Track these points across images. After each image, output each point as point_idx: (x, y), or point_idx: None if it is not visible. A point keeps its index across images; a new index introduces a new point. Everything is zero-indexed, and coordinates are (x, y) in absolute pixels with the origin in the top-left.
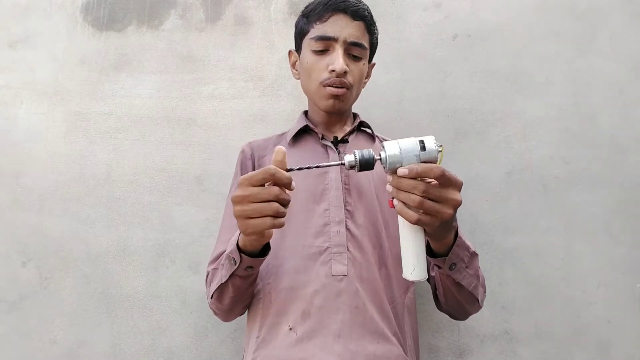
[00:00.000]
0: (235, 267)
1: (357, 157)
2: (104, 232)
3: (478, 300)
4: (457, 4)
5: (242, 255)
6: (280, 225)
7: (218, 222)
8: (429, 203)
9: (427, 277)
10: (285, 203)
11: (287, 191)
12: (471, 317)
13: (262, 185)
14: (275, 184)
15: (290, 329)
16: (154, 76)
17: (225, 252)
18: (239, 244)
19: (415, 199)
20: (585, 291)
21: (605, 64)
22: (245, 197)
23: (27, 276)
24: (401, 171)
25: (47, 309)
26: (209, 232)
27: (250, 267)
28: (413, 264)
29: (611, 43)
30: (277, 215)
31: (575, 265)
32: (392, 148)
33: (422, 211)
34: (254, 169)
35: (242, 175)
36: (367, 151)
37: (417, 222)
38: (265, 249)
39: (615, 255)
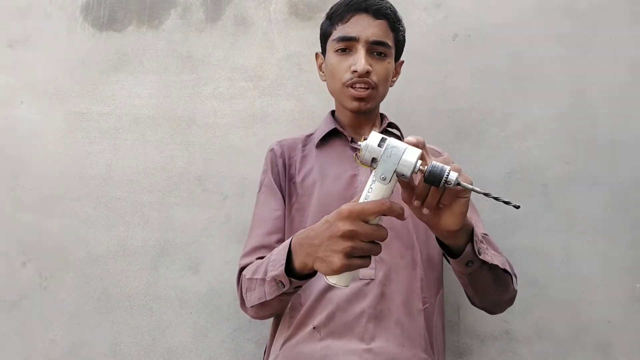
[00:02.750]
0: (284, 289)
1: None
2: (104, 232)
3: (512, 278)
4: (457, 4)
5: (292, 279)
6: (366, 266)
7: (218, 222)
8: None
9: None
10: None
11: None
12: (471, 317)
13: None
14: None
15: (314, 328)
16: (154, 76)
17: (270, 273)
18: (296, 265)
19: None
20: (585, 291)
21: (605, 64)
22: (358, 234)
23: (27, 276)
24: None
25: (47, 309)
26: (208, 232)
27: (299, 286)
28: None
29: (611, 43)
30: (374, 255)
31: (575, 265)
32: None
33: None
34: (284, 168)
35: (272, 173)
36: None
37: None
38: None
39: (615, 255)
